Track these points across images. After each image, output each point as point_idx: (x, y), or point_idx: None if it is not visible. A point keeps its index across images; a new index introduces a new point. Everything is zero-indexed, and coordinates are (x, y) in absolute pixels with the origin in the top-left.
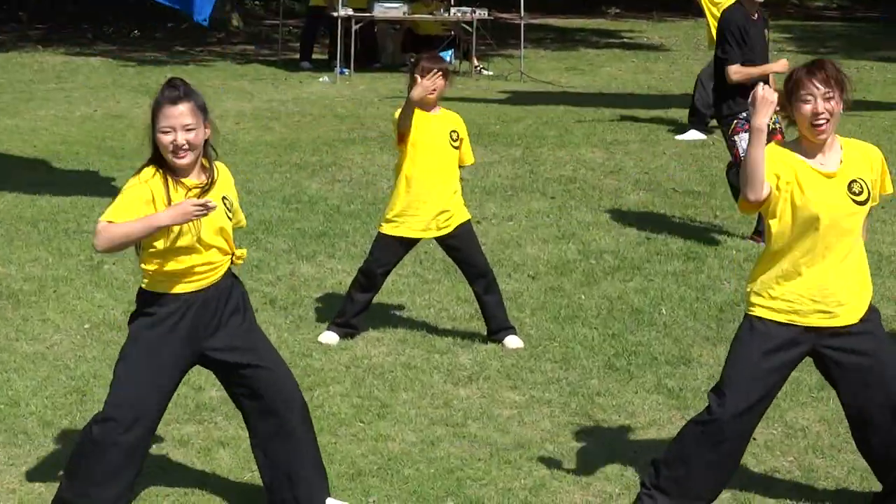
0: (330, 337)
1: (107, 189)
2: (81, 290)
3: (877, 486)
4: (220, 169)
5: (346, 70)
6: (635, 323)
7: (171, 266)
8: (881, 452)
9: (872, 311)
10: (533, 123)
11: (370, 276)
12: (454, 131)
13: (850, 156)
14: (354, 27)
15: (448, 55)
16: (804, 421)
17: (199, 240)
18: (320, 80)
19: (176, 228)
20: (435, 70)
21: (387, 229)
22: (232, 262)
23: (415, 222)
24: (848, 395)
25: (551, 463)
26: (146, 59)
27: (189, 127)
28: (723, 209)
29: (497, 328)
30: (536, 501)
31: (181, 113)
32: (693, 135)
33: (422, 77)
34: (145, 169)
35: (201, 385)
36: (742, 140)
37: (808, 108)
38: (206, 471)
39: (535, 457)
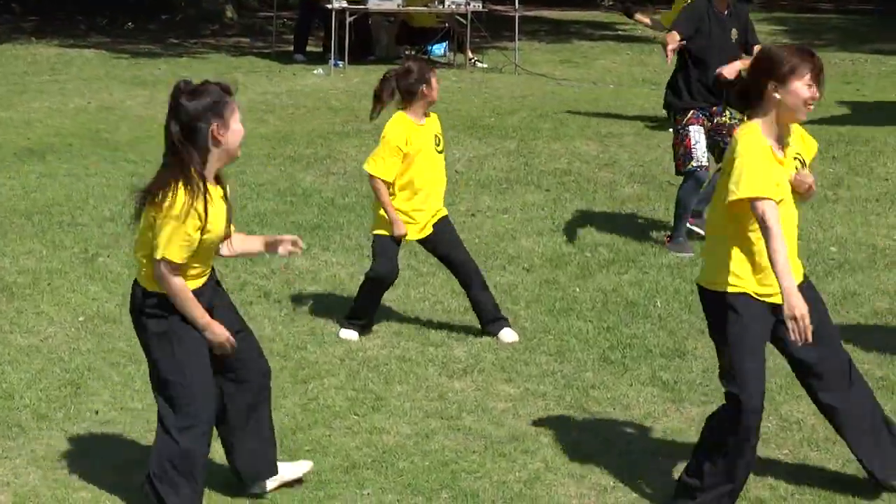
0: (351, 334)
1: (101, 181)
2: (76, 282)
3: (871, 480)
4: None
5: (340, 62)
6: (630, 315)
7: (192, 269)
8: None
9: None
10: (527, 116)
11: (379, 283)
12: (436, 135)
13: (794, 139)
14: (349, 19)
15: (442, 47)
16: (799, 414)
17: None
18: (314, 72)
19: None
20: None
21: (385, 231)
22: None
23: (412, 226)
24: (798, 351)
25: (546, 455)
26: (140, 52)
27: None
28: None
29: (489, 318)
30: (531, 494)
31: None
32: None
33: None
34: (180, 193)
35: None
36: (695, 131)
37: (809, 92)
38: None
39: (529, 449)
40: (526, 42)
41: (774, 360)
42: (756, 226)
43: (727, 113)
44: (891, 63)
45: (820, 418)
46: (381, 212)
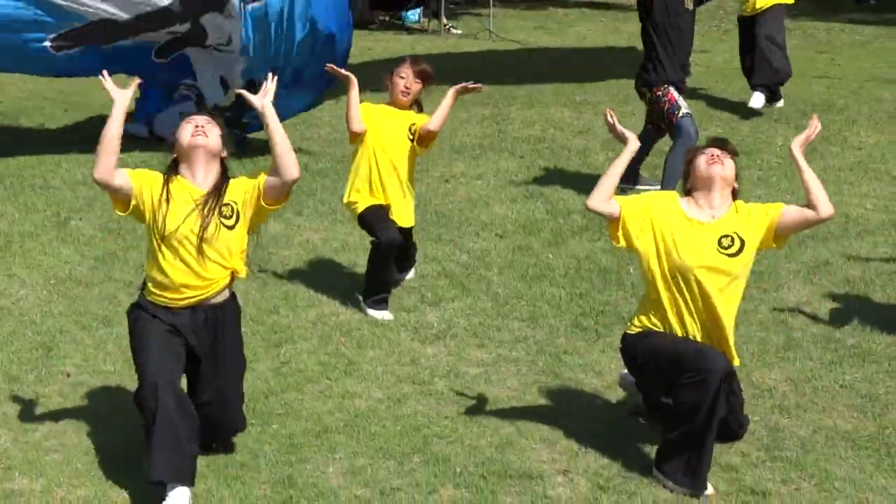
0: (384, 314)
1: (73, 145)
2: (47, 245)
3: (843, 446)
4: (238, 184)
5: None
6: (603, 282)
7: (169, 271)
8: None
9: None
10: (502, 83)
11: (388, 247)
12: (411, 125)
13: (733, 214)
14: None
15: (417, 13)
16: (770, 381)
17: (200, 249)
18: None
19: (171, 226)
20: None
21: (361, 205)
22: (231, 278)
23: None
24: None
25: (518, 421)
26: None
27: (209, 121)
28: None
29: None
30: (503, 459)
31: (203, 117)
32: (760, 100)
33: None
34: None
35: None
36: (673, 90)
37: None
38: None
39: (501, 414)
40: (500, 9)
41: (747, 328)
42: (656, 288)
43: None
44: (865, 32)
45: (791, 385)
46: (353, 184)
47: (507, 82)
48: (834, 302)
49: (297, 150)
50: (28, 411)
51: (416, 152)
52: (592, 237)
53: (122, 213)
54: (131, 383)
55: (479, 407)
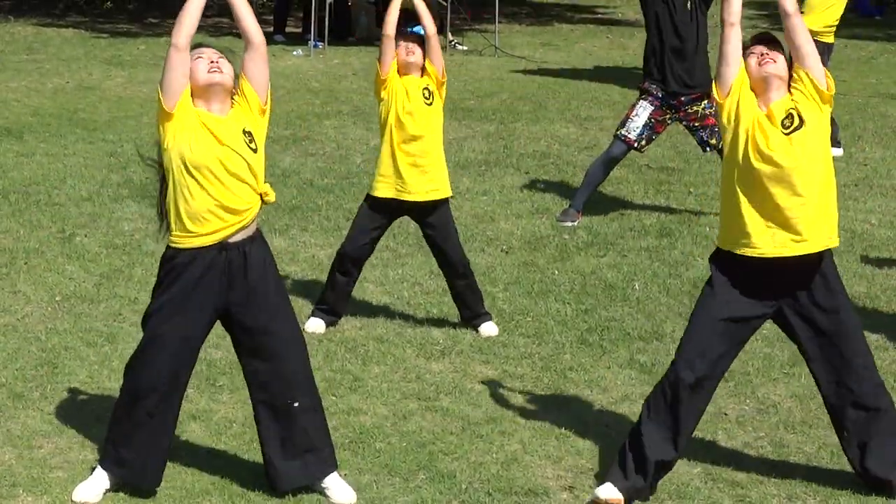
0: (316, 324)
1: (79, 161)
2: (52, 262)
3: (847, 463)
4: (239, 102)
5: (319, 44)
6: (608, 298)
7: (199, 205)
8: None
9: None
10: (507, 98)
11: (338, 259)
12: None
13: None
14: (328, 0)
15: (422, 29)
16: (776, 397)
17: (225, 167)
18: (294, 53)
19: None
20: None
21: (372, 190)
22: (262, 202)
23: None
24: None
25: (523, 437)
26: (118, 31)
27: (221, 56)
28: (696, 185)
29: (470, 315)
30: (508, 475)
31: (214, 52)
32: None
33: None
34: None
35: None
36: (641, 107)
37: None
38: (177, 443)
39: (506, 431)
40: (506, 24)
41: (751, 344)
42: (739, 180)
43: (702, 103)
44: (870, 48)
45: (796, 401)
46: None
47: (513, 98)
48: None
49: (300, 169)
50: (33, 428)
51: (438, 112)
52: (598, 253)
53: (167, 110)
54: None
55: (484, 423)
